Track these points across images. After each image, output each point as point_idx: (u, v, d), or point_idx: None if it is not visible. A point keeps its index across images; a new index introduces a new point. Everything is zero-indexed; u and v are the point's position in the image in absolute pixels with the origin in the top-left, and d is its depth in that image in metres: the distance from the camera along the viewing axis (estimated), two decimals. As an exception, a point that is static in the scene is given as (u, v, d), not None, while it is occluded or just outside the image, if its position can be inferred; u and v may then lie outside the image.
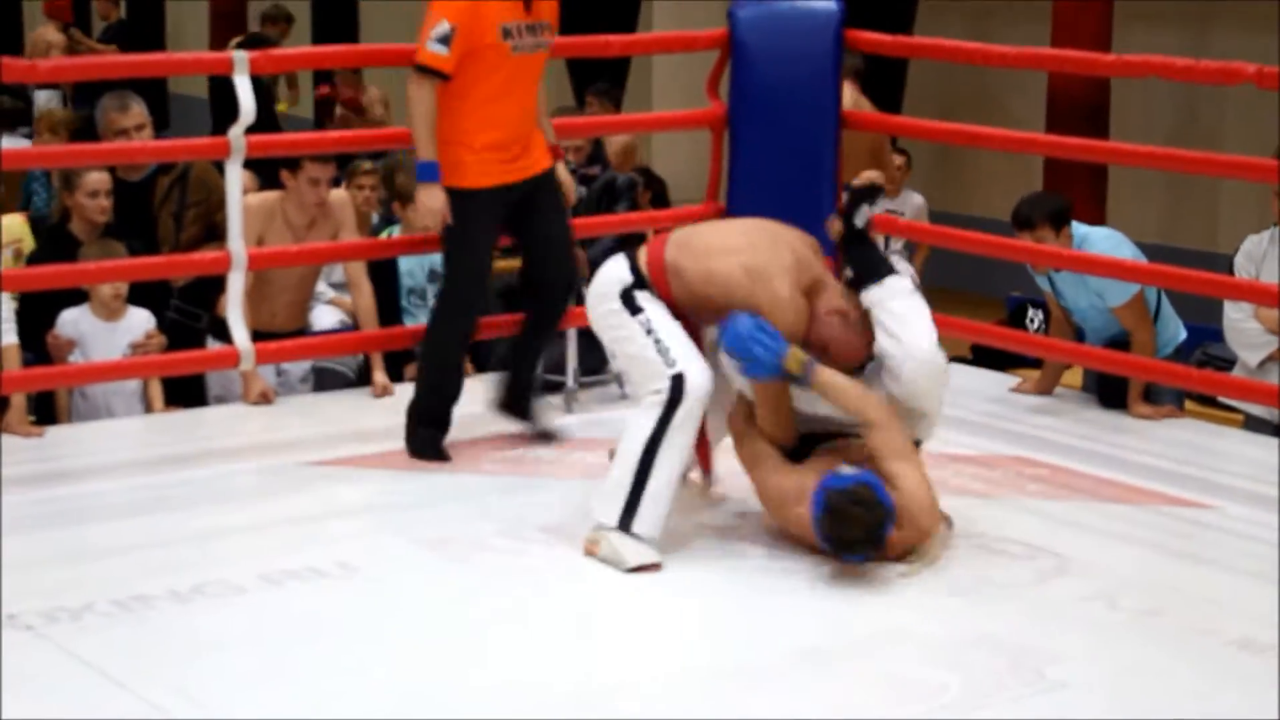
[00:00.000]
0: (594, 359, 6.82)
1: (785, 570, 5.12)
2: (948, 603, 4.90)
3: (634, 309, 5.24)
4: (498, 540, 5.36)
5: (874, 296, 5.25)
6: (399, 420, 6.34)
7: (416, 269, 7.46)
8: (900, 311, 5.25)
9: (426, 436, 6.17)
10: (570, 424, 6.60)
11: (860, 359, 5.28)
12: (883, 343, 5.23)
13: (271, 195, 6.92)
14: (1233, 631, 4.68)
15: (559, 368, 6.93)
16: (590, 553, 5.18)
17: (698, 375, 5.15)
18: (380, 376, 6.94)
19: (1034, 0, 11.05)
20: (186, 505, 5.63)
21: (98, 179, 6.83)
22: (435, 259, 7.41)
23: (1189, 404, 7.28)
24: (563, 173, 6.40)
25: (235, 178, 6.19)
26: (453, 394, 6.22)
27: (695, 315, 5.32)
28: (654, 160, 11.25)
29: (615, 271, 5.34)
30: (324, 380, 7.26)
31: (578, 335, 6.76)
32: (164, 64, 7.15)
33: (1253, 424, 6.77)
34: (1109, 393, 6.83)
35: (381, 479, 6.00)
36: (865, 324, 5.26)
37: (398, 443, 6.25)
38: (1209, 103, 11.26)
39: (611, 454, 5.34)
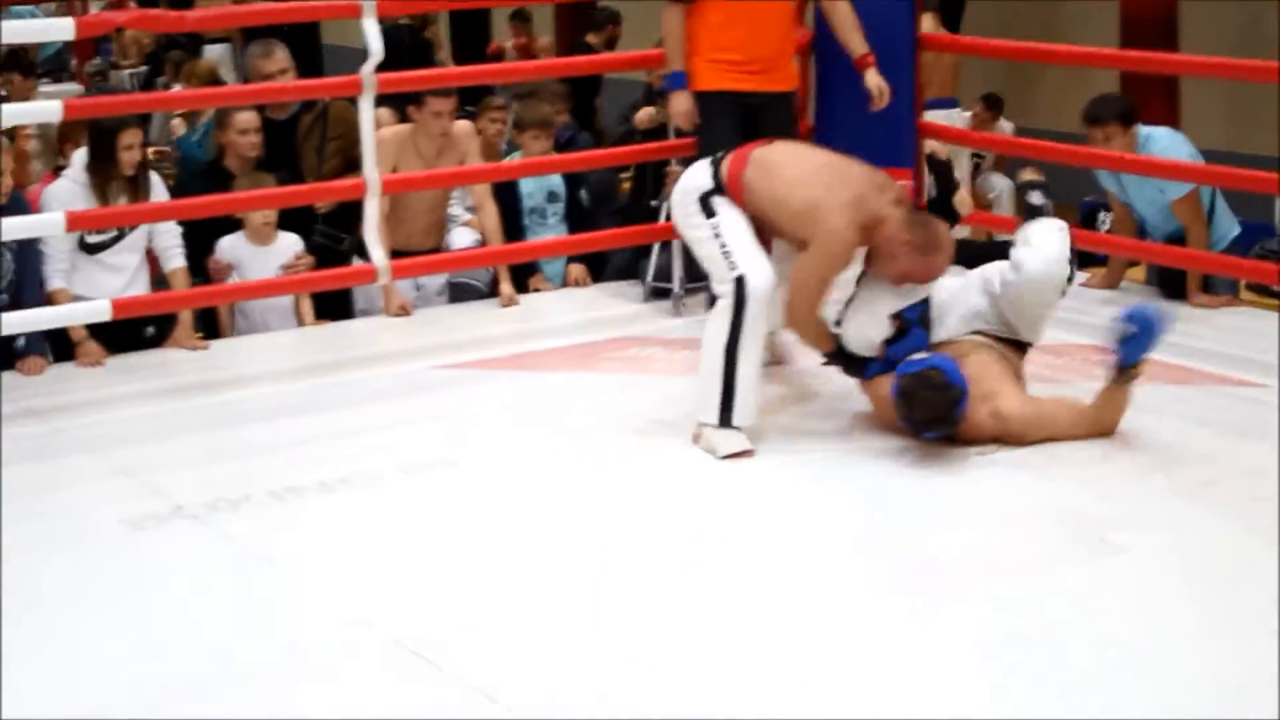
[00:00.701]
0: (699, 268, 6.84)
1: (875, 450, 5.15)
2: (1018, 476, 4.90)
3: (709, 212, 5.26)
4: (613, 432, 5.40)
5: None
6: (523, 326, 6.41)
7: (536, 190, 7.48)
8: (1037, 230, 5.31)
9: None
10: (678, 325, 6.63)
11: (938, 275, 5.28)
12: (1017, 250, 5.28)
13: (403, 128, 6.98)
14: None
15: (666, 275, 6.95)
16: (696, 443, 5.24)
17: (758, 277, 5.15)
18: (506, 288, 7.02)
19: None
20: (334, 407, 5.71)
21: (247, 118, 6.91)
22: (554, 181, 7.51)
23: (1244, 294, 7.19)
24: (871, 78, 6.46)
25: (368, 113, 6.24)
26: None
27: (762, 226, 5.32)
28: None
29: (697, 178, 5.36)
30: (458, 293, 7.33)
31: (682, 246, 6.77)
32: (300, 10, 7.13)
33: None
34: (1169, 284, 6.79)
35: (509, 378, 6.06)
36: (940, 245, 5.22)
37: (522, 346, 6.33)
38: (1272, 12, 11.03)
39: None
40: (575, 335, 6.50)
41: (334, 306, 7.01)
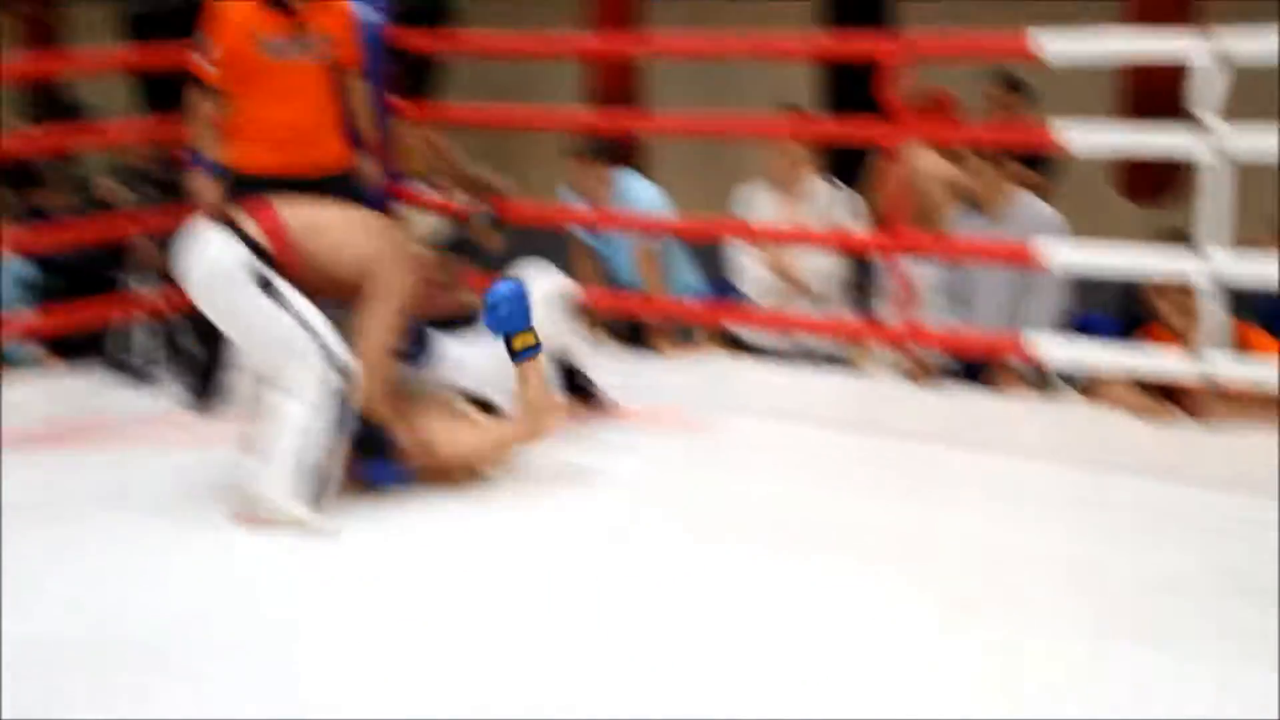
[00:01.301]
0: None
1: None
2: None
3: (270, 290, 5.00)
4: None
5: None
6: None
7: (6, 277, 7.25)
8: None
9: None
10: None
11: (459, 311, 5.52)
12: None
13: None
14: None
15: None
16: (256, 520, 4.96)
17: (343, 353, 5.01)
18: None
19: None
20: None
21: None
22: (24, 266, 7.25)
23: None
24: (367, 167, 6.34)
25: None
26: None
27: (319, 291, 5.13)
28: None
29: (228, 249, 5.05)
30: None
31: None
32: None
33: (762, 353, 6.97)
34: (635, 336, 7.05)
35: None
36: (452, 282, 5.46)
37: None
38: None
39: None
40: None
41: None
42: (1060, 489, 5.26)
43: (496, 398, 5.47)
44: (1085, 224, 6.50)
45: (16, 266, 7.31)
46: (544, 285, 5.70)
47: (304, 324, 4.97)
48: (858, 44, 6.87)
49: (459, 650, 3.98)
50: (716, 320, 6.91)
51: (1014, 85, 7.77)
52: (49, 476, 5.62)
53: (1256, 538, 4.66)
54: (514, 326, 5.24)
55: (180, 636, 4.09)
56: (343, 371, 4.98)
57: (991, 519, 4.94)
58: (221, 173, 6.06)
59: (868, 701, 3.61)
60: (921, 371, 6.20)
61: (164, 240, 6.96)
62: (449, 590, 4.43)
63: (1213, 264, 5.24)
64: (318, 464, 4.95)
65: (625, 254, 7.05)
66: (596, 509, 5.11)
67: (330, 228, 5.19)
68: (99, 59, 9.86)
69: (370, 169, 6.37)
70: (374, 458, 5.10)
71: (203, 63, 6.01)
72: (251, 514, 4.97)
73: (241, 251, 5.03)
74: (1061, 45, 5.55)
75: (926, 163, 6.63)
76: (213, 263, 5.05)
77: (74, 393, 6.63)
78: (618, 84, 10.26)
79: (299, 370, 4.97)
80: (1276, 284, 5.17)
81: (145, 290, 6.83)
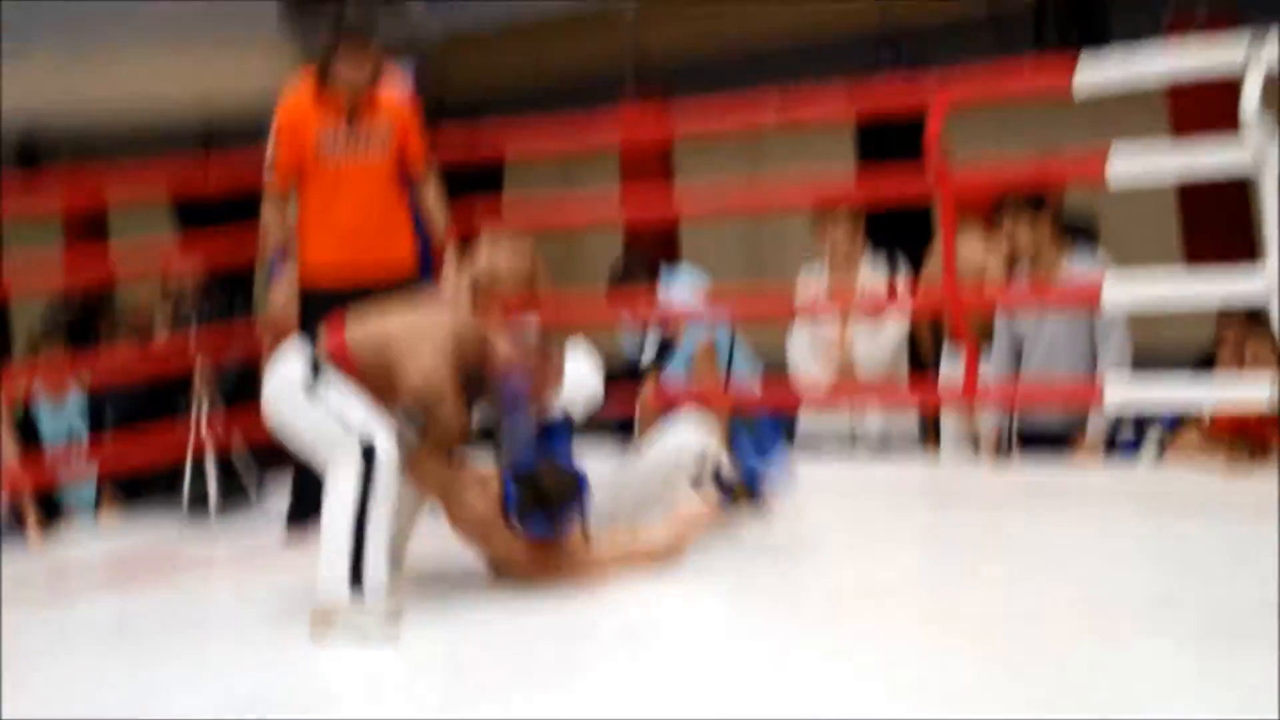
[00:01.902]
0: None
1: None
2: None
3: (314, 395, 4.84)
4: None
5: None
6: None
7: (58, 428, 7.26)
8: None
9: None
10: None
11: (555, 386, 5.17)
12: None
13: None
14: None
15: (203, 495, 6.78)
16: (322, 631, 4.66)
17: (385, 441, 4.73)
18: (35, 530, 6.70)
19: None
20: None
21: None
22: (75, 415, 7.26)
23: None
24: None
25: None
26: None
27: (378, 392, 4.90)
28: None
29: (290, 370, 4.92)
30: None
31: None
32: None
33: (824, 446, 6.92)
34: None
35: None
36: (546, 357, 5.12)
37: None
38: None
39: None
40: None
41: None
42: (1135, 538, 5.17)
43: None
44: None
45: (74, 405, 7.28)
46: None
47: (338, 417, 4.79)
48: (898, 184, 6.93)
49: None
50: (789, 405, 6.84)
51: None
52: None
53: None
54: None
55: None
56: (369, 450, 4.71)
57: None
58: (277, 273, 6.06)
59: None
60: (994, 447, 6.18)
61: (222, 364, 7.03)
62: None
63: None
64: (369, 550, 4.68)
65: (683, 355, 6.98)
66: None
67: (393, 339, 4.94)
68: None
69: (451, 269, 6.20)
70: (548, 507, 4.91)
71: (266, 168, 5.99)
72: (324, 625, 4.69)
73: (296, 368, 4.91)
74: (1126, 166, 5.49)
75: (972, 250, 6.64)
76: (276, 378, 4.95)
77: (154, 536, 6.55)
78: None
79: (334, 465, 4.77)
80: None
81: (209, 416, 6.79)
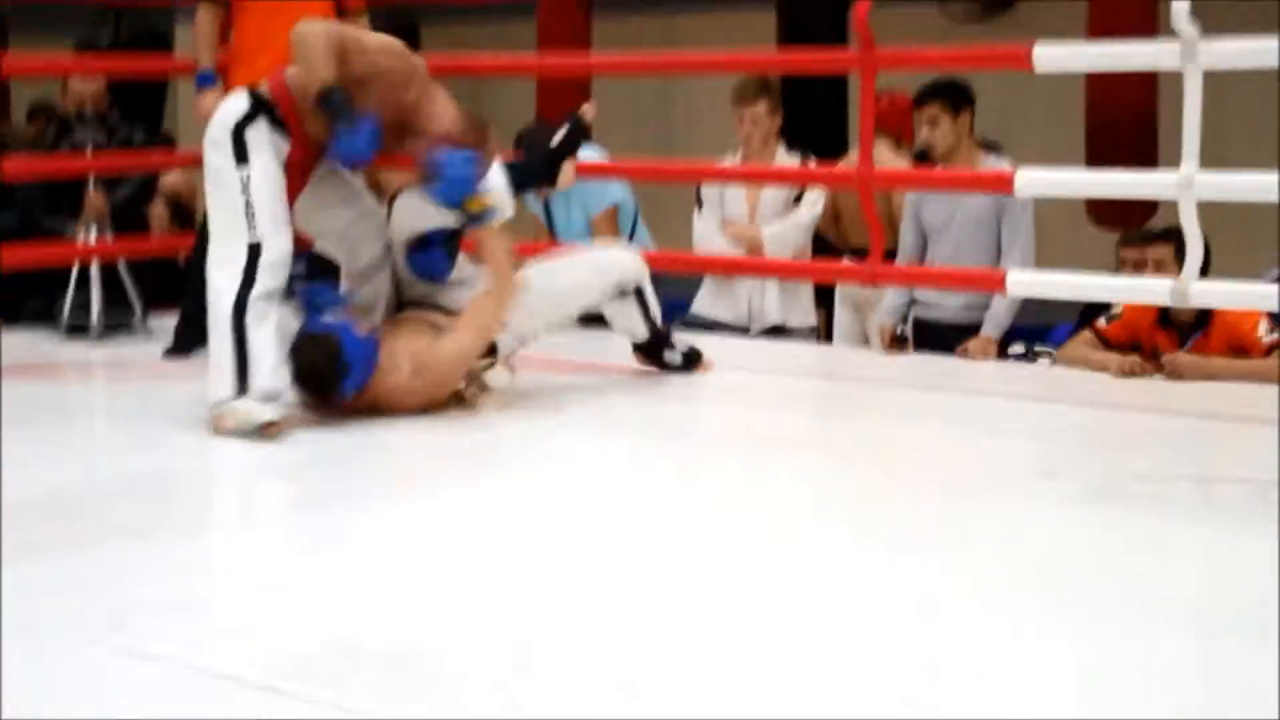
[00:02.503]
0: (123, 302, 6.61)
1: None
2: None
3: (241, 154, 4.78)
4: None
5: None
6: None
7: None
8: None
9: None
10: (98, 355, 6.31)
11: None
12: None
13: None
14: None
15: (86, 312, 6.59)
16: (220, 429, 4.66)
17: (276, 248, 4.75)
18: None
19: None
20: None
21: None
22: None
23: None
24: None
25: None
26: None
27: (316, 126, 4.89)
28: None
29: (232, 105, 4.89)
30: None
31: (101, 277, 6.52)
32: None
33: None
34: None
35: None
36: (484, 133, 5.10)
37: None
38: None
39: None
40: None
41: None
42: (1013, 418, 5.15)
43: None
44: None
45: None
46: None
47: (244, 188, 4.75)
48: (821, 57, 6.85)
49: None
50: (692, 267, 6.77)
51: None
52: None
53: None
54: (466, 189, 4.95)
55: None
56: (255, 246, 4.72)
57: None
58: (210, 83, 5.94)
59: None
60: (892, 343, 6.16)
61: (113, 188, 6.87)
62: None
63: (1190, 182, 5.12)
64: (257, 348, 4.69)
65: (578, 218, 6.88)
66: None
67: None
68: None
69: None
70: (306, 386, 4.80)
71: None
72: (219, 420, 4.69)
73: (237, 104, 4.87)
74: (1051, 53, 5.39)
75: (883, 156, 6.57)
76: (210, 126, 4.90)
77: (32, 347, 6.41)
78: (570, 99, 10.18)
79: (218, 259, 4.78)
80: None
81: (97, 237, 6.62)
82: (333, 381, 4.71)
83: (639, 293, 5.39)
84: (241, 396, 4.66)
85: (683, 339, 5.65)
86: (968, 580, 3.31)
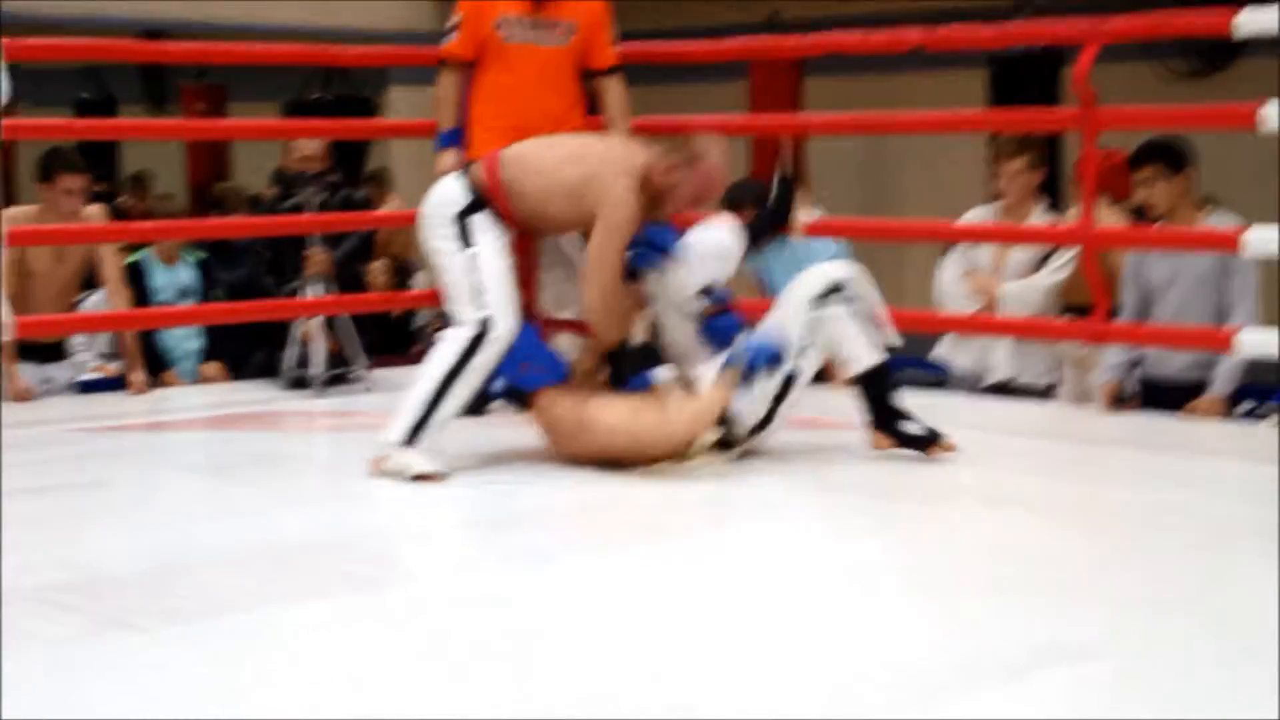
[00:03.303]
0: (344, 353, 6.66)
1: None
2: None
3: (467, 239, 4.96)
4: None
5: None
6: (156, 406, 6.27)
7: (167, 285, 7.26)
8: None
9: None
10: (320, 404, 6.39)
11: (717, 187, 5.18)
12: None
13: (30, 209, 6.65)
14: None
15: (306, 365, 6.67)
16: (375, 470, 4.84)
17: (504, 324, 4.88)
18: (137, 375, 6.64)
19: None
20: None
21: None
22: (184, 277, 7.28)
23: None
24: None
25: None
26: None
27: (536, 230, 5.17)
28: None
29: (450, 193, 5.04)
30: (87, 390, 6.95)
31: (322, 330, 6.59)
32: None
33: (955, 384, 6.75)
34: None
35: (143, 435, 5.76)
36: (705, 150, 5.08)
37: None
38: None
39: None
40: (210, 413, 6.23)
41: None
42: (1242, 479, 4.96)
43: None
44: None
45: (185, 275, 7.31)
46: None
47: (473, 268, 4.91)
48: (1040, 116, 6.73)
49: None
50: (931, 328, 6.65)
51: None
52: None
53: None
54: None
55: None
56: (485, 323, 4.85)
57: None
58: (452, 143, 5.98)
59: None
60: (1114, 401, 6.00)
61: (335, 244, 6.96)
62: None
63: None
64: (442, 416, 4.83)
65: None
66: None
67: (545, 157, 5.06)
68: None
69: None
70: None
71: (447, 39, 6.01)
72: (379, 461, 4.86)
73: (455, 192, 5.01)
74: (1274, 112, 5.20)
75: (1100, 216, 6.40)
76: (429, 206, 5.06)
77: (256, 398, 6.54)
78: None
79: (457, 316, 4.94)
80: None
81: (317, 296, 6.69)
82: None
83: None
84: (408, 447, 4.80)
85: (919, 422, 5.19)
86: (1212, 648, 3.17)
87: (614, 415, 4.87)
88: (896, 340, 5.34)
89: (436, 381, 4.84)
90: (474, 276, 4.91)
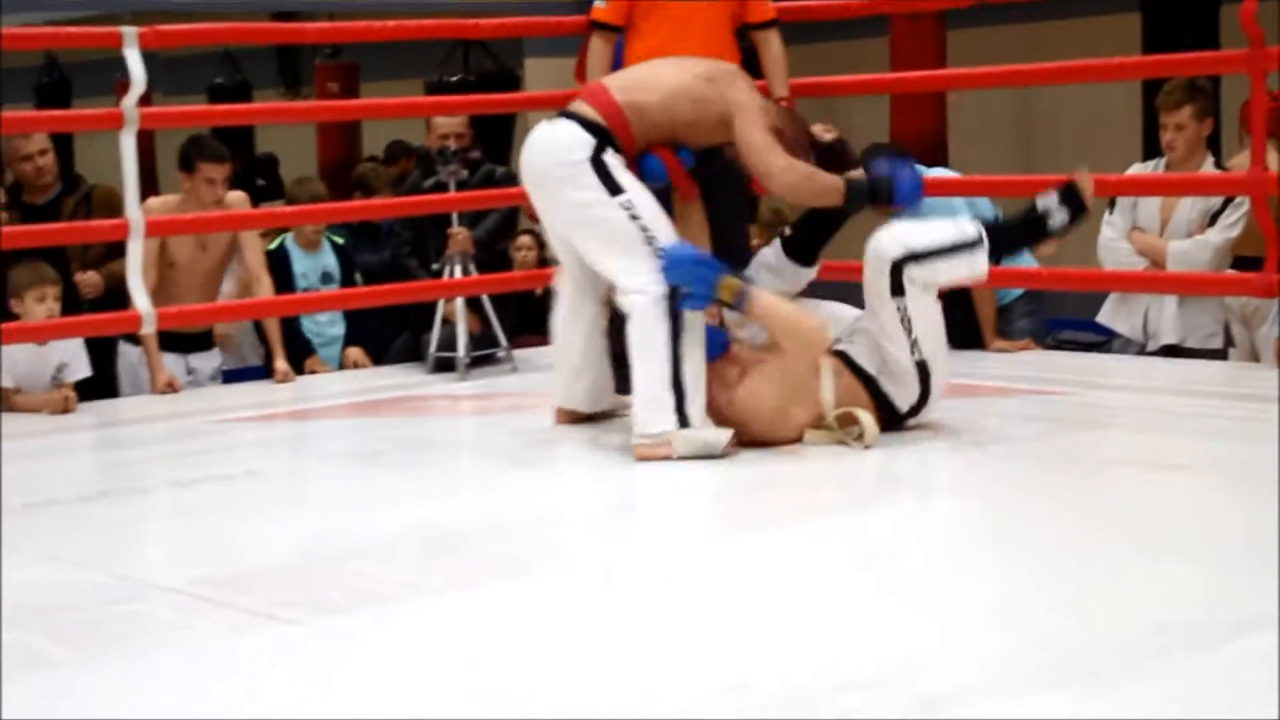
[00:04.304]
0: (488, 335, 6.64)
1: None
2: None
3: (613, 184, 4.65)
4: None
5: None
6: (302, 394, 6.30)
7: (310, 270, 7.29)
8: None
9: None
10: (465, 388, 6.36)
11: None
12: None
13: (171, 198, 6.68)
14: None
15: (451, 347, 6.65)
16: (660, 457, 4.58)
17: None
18: (281, 364, 6.66)
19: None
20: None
21: None
22: (328, 261, 7.30)
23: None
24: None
25: (129, 148, 5.91)
26: None
27: (657, 139, 4.82)
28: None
29: (569, 136, 4.72)
30: (231, 380, 6.99)
31: (465, 311, 6.55)
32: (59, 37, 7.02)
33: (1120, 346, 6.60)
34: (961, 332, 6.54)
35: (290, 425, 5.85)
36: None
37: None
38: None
39: None
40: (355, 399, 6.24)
41: (94, 387, 6.56)
42: None
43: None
44: None
45: (327, 260, 7.33)
46: None
47: (635, 214, 4.66)
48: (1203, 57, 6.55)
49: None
50: (1093, 286, 6.50)
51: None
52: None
53: None
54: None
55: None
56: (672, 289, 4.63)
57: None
58: None
59: None
60: None
61: (476, 223, 6.93)
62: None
63: None
64: (678, 378, 4.59)
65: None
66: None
67: (660, 74, 4.92)
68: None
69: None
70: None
71: (598, 1, 5.95)
72: (650, 448, 4.61)
73: (579, 133, 4.71)
74: None
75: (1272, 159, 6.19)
76: (548, 149, 4.76)
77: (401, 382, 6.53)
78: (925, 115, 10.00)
79: (626, 274, 4.67)
80: None
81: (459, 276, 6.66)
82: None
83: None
84: (684, 428, 4.58)
85: None
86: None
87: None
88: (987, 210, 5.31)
89: (664, 358, 4.58)
90: (640, 223, 4.64)
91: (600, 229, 4.72)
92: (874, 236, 4.77)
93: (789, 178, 4.81)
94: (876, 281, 4.72)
